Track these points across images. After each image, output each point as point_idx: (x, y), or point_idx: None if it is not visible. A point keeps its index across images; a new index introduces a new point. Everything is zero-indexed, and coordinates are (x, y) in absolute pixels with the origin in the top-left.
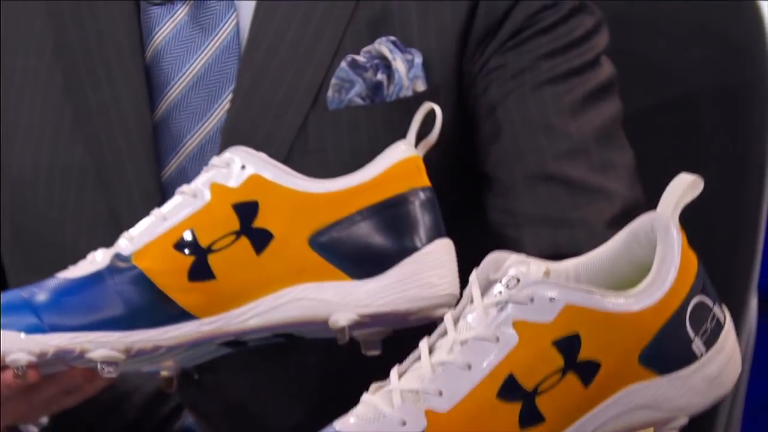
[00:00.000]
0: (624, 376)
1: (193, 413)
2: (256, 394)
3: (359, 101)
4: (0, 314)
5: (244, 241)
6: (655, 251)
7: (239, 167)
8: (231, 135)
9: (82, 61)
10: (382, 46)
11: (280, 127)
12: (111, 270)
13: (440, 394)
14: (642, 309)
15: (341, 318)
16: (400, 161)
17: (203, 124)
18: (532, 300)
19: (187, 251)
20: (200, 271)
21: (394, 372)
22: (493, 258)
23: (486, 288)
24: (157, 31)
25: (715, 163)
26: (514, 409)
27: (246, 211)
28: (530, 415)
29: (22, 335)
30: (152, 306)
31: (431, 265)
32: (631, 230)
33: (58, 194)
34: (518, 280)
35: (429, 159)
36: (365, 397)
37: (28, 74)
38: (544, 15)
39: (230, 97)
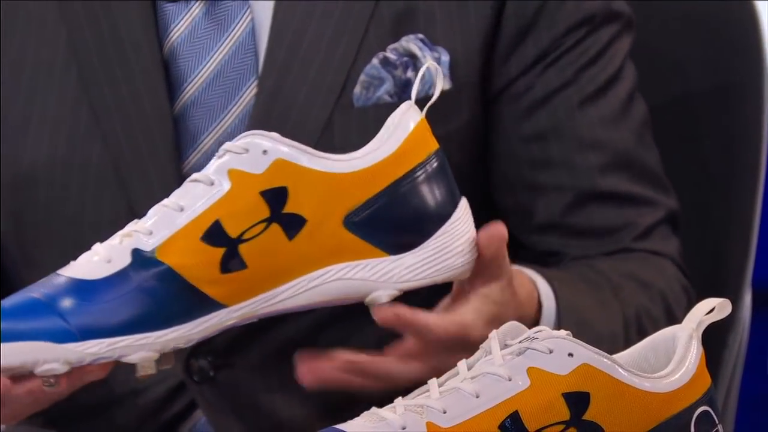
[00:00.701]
0: None
1: (206, 410)
2: (269, 391)
3: (387, 99)
4: None
5: (276, 228)
6: (668, 366)
7: (260, 152)
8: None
9: (97, 58)
10: (411, 43)
11: (306, 124)
12: (135, 267)
13: (444, 412)
14: (655, 392)
15: (382, 295)
16: (414, 129)
17: (221, 121)
18: (551, 351)
19: (216, 243)
20: (232, 261)
21: (398, 398)
22: (512, 325)
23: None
24: (173, 28)
25: (710, 159)
26: None
27: (275, 197)
28: None
29: (54, 344)
30: (183, 301)
31: (460, 233)
32: (651, 341)
33: (75, 191)
34: (540, 332)
35: (449, 154)
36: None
37: (41, 67)
38: (580, 25)
39: (249, 93)
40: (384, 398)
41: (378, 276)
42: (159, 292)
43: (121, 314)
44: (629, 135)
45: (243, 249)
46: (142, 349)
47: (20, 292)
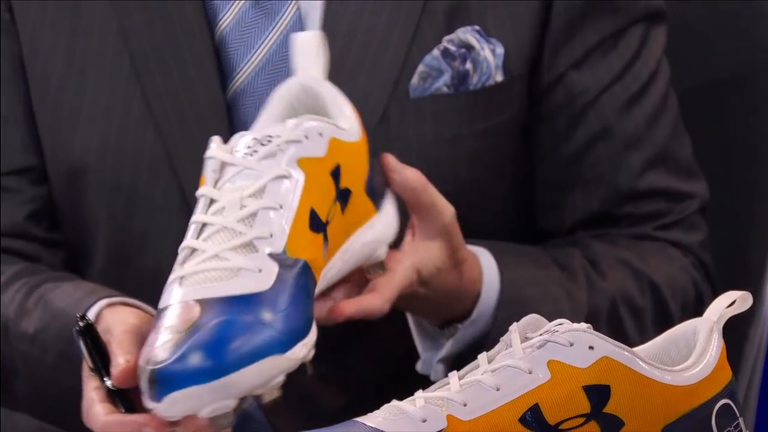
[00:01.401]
0: None
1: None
2: (315, 379)
3: (444, 90)
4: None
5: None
6: (689, 359)
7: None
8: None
9: (149, 46)
10: (468, 35)
11: (362, 114)
12: None
13: (464, 404)
14: (676, 385)
15: None
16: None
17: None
18: (571, 344)
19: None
20: None
21: (419, 391)
22: (532, 318)
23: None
24: (222, 17)
25: (732, 151)
26: None
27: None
28: None
29: (280, 356)
30: None
31: None
32: (671, 334)
33: (127, 178)
34: (560, 325)
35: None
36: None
37: (91, 56)
38: (625, 22)
39: None
40: (405, 391)
41: None
42: None
43: (300, 315)
44: (667, 129)
45: None
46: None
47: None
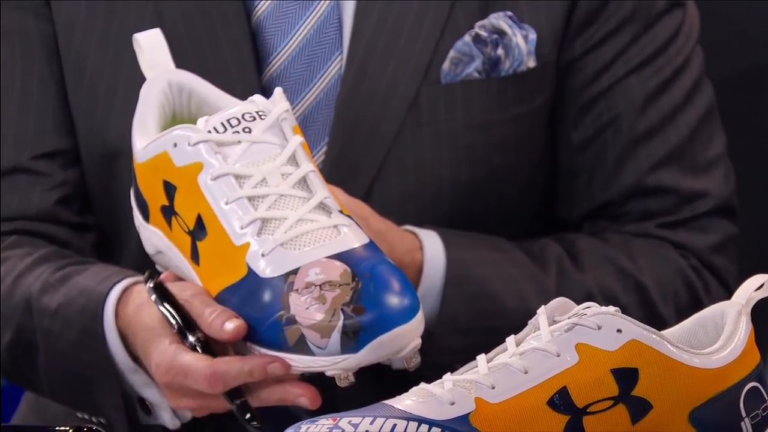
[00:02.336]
0: (670, 428)
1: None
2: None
3: (476, 75)
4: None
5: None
6: (717, 342)
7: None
8: (345, 108)
9: (184, 29)
10: (500, 21)
11: (392, 100)
12: None
13: (493, 387)
14: (704, 368)
15: None
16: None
17: (307, 94)
18: (599, 327)
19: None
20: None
21: (447, 374)
22: (560, 301)
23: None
24: (260, 2)
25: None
26: (561, 420)
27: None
28: (575, 431)
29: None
30: None
31: None
32: (699, 317)
33: None
34: (588, 308)
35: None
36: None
37: (126, 39)
38: (648, 12)
39: (333, 68)
40: (433, 375)
41: None
42: None
43: None
44: (686, 128)
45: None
46: None
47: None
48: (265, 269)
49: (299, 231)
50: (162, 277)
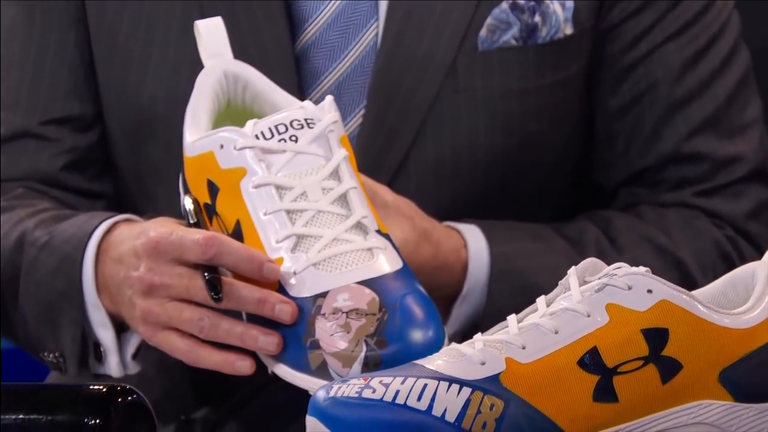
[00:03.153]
0: (700, 388)
1: None
2: None
3: (513, 43)
4: None
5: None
6: (747, 302)
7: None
8: (382, 75)
9: None
10: None
11: (429, 67)
12: None
13: (523, 347)
14: (734, 328)
15: None
16: None
17: (341, 62)
18: (630, 287)
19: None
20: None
21: (477, 334)
22: (591, 262)
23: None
24: None
25: None
26: (591, 380)
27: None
28: (605, 391)
29: None
30: None
31: None
32: (730, 278)
33: None
34: (619, 268)
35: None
36: (450, 346)
37: (160, 6)
38: None
39: (369, 35)
40: (465, 335)
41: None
42: None
43: None
44: (723, 93)
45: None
46: None
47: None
48: (296, 288)
49: (333, 252)
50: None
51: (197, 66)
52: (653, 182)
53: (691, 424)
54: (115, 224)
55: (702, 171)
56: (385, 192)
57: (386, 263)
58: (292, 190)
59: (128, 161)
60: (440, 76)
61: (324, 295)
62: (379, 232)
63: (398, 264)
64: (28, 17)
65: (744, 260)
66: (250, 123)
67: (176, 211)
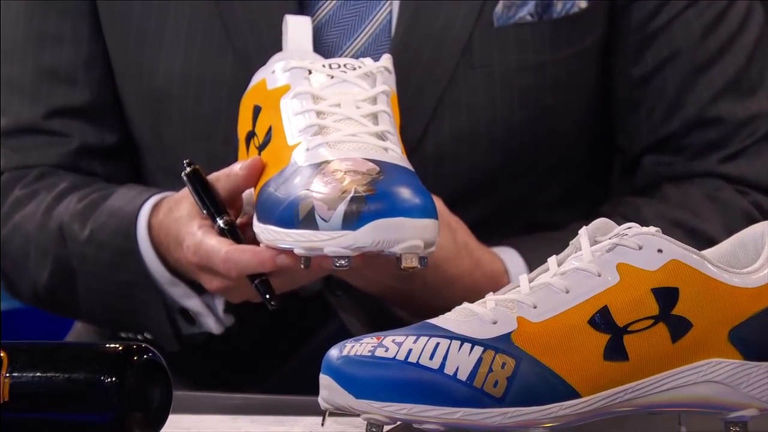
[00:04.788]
0: (710, 347)
1: (342, 317)
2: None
3: (528, 18)
4: None
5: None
6: (757, 261)
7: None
8: (400, 52)
9: None
10: None
11: (446, 43)
12: None
13: (534, 307)
14: (744, 287)
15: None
16: None
17: (355, 40)
18: (640, 247)
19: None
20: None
21: (489, 293)
22: (602, 222)
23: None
24: None
25: None
26: (602, 338)
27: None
28: (616, 350)
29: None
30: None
31: None
32: (739, 237)
33: (208, 105)
34: (629, 228)
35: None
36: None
37: None
38: None
39: (383, 12)
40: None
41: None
42: None
43: None
44: (743, 54)
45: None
46: None
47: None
48: (304, 159)
49: (349, 139)
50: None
51: (209, 43)
52: (678, 148)
53: (700, 383)
54: (154, 206)
55: (725, 133)
56: (435, 201)
57: (399, 159)
58: (327, 99)
59: (147, 140)
60: (456, 53)
61: (329, 162)
62: (399, 150)
63: (409, 167)
64: (35, 7)
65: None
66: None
67: None
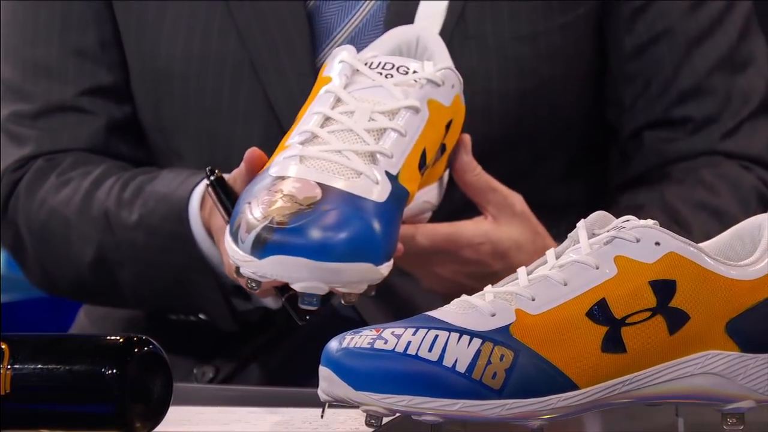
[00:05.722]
0: (707, 339)
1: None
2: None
3: None
4: None
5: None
6: (754, 254)
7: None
8: (393, 25)
9: None
10: None
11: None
12: None
13: (533, 299)
14: (741, 279)
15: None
16: None
17: (353, 16)
18: (638, 240)
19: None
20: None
21: (488, 286)
22: (600, 215)
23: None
24: None
25: None
26: (600, 330)
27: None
28: (613, 342)
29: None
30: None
31: None
32: (737, 230)
33: (211, 85)
34: (627, 221)
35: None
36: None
37: None
38: None
39: None
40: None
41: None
42: None
43: (395, 238)
44: (733, 30)
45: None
46: None
47: None
48: (275, 168)
49: (327, 156)
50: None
51: (211, 23)
52: (676, 121)
53: (698, 374)
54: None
55: (721, 105)
56: (516, 200)
57: (361, 188)
58: (346, 104)
59: (151, 120)
60: (451, 24)
61: (283, 179)
62: (394, 177)
63: (375, 198)
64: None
65: None
66: (368, 51)
67: (201, 165)
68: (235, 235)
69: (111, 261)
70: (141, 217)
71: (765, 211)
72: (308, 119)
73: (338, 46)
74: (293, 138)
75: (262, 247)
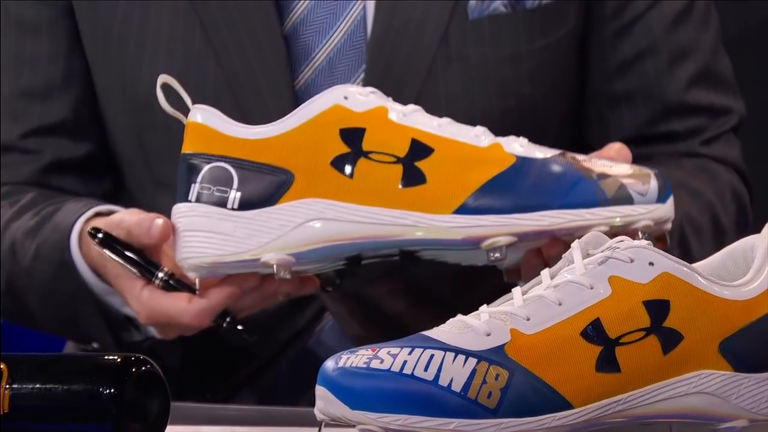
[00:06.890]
0: (701, 358)
1: (333, 314)
2: (391, 295)
3: (502, 9)
4: None
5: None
6: (747, 274)
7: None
8: (377, 48)
9: None
10: None
11: (422, 37)
12: None
13: (528, 319)
14: (734, 299)
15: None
16: None
17: (330, 38)
18: (632, 260)
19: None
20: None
21: (483, 306)
22: (594, 235)
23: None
24: None
25: None
26: (594, 350)
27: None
28: (608, 361)
29: None
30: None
31: None
32: (729, 250)
33: None
34: (621, 242)
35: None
36: (456, 317)
37: None
38: None
39: (356, 10)
40: (471, 308)
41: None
42: None
43: None
44: (710, 44)
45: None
46: None
47: None
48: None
49: None
50: (104, 226)
51: (190, 47)
52: (661, 136)
53: (691, 394)
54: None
55: (704, 121)
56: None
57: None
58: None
59: (134, 152)
60: (434, 46)
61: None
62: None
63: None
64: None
65: (750, 198)
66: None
67: None
68: (614, 199)
69: (18, 289)
70: (38, 246)
71: (736, 208)
72: (456, 129)
73: (317, 67)
74: (480, 141)
75: (664, 191)
